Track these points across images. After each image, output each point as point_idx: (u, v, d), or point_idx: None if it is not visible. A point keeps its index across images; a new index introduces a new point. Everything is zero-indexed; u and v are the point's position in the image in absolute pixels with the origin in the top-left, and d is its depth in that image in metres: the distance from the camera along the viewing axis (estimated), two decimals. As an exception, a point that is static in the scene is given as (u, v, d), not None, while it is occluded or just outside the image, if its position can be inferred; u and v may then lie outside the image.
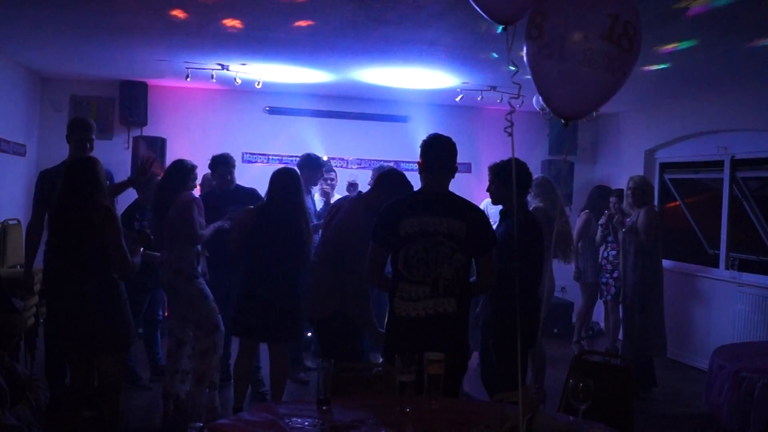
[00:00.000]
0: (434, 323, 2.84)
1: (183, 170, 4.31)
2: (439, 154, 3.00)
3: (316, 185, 5.38)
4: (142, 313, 4.87)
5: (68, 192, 3.21)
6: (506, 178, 3.62)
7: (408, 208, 2.94)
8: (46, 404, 3.71)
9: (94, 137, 4.21)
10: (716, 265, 6.27)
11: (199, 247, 4.23)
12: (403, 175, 3.58)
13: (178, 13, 4.08)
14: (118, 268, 3.18)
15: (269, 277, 3.90)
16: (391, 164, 7.33)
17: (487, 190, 3.86)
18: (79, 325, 3.15)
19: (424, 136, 3.13)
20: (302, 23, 4.24)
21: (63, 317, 3.21)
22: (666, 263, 6.52)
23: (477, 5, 2.28)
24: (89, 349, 3.19)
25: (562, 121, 2.32)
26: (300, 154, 5.41)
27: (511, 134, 2.07)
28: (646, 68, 5.01)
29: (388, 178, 3.57)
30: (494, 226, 3.28)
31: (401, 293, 2.88)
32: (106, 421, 3.24)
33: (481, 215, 3.01)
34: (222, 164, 4.83)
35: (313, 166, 5.13)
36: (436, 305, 2.84)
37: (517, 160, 3.54)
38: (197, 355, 4.12)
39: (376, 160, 7.04)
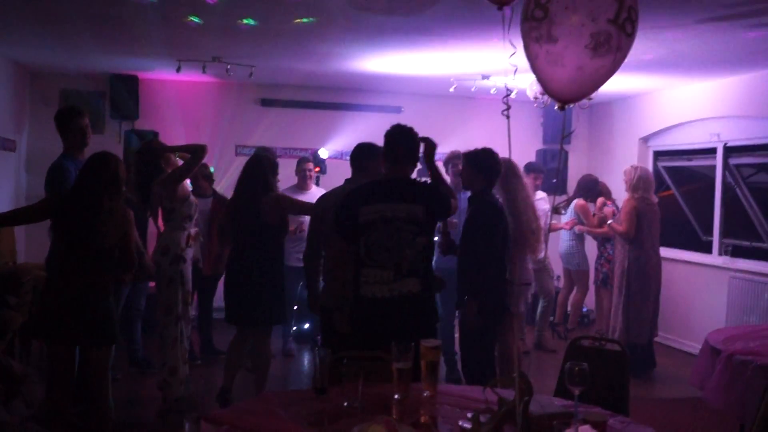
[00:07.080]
0: (400, 304, 2.90)
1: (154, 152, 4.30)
2: (404, 144, 3.08)
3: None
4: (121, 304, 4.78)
5: (84, 189, 3.16)
6: (478, 167, 3.80)
7: (366, 196, 2.99)
8: (41, 400, 3.69)
9: (88, 123, 4.04)
10: (709, 252, 6.30)
11: (192, 230, 4.24)
12: (370, 145, 3.54)
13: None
14: (122, 268, 3.22)
15: (245, 265, 4.00)
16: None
17: (459, 175, 3.97)
18: (63, 317, 3.12)
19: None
20: (295, 14, 4.21)
21: (51, 309, 3.18)
22: (660, 250, 6.54)
23: None
24: (68, 340, 3.16)
25: (555, 107, 2.32)
26: (293, 146, 5.41)
27: (508, 117, 2.06)
28: (640, 56, 5.01)
29: (359, 154, 3.53)
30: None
31: (365, 278, 2.94)
32: (97, 415, 3.23)
33: (435, 193, 3.10)
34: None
35: None
36: (401, 287, 2.90)
37: (491, 150, 3.86)
38: (168, 345, 4.10)
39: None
